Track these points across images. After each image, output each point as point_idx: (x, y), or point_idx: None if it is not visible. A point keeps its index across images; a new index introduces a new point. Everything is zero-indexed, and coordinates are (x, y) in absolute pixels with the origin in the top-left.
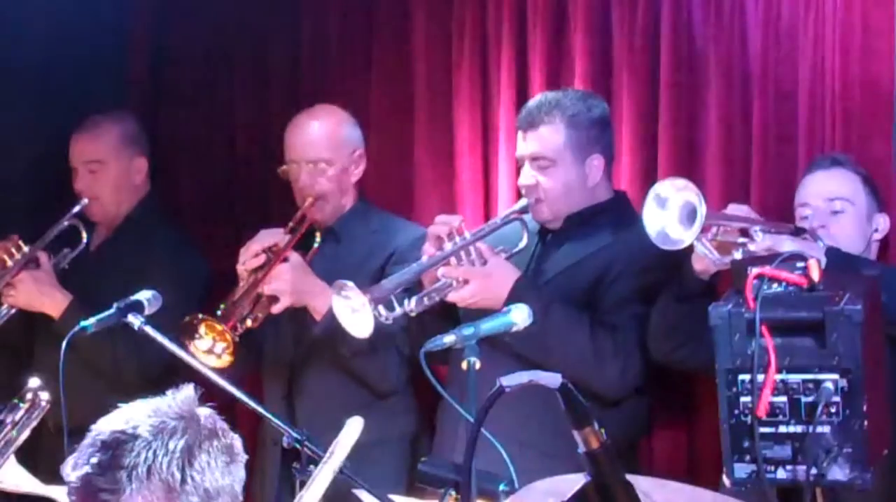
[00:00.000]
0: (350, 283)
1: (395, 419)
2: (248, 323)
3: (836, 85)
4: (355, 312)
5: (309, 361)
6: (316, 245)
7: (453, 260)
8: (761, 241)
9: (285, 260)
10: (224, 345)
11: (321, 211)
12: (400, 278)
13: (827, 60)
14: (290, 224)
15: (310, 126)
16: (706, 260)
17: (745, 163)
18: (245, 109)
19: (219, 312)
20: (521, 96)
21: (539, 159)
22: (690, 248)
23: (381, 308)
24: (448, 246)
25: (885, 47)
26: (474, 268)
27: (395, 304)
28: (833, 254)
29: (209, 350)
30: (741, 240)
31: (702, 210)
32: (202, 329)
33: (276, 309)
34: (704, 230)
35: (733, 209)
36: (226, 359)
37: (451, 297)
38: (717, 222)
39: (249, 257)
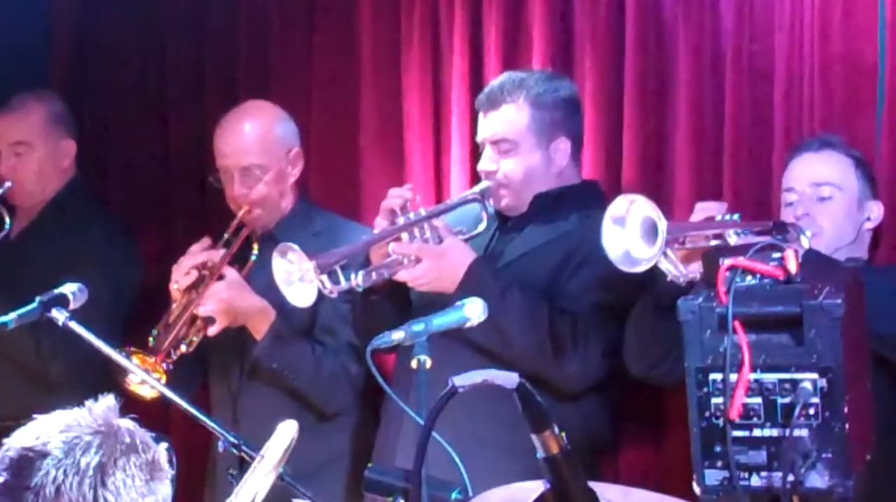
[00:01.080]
0: (296, 247)
1: (344, 438)
2: (183, 348)
3: (815, 62)
4: (299, 280)
5: (252, 384)
6: (253, 258)
7: (406, 236)
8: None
9: (221, 277)
10: (157, 375)
11: (258, 219)
12: (349, 249)
13: (805, 36)
14: (225, 235)
15: (240, 129)
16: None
17: (717, 148)
18: (178, 100)
19: (151, 339)
20: (476, 76)
21: (500, 142)
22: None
23: (325, 280)
24: (401, 220)
25: (868, 22)
26: (428, 245)
27: (341, 278)
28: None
29: (142, 382)
30: (714, 243)
31: (662, 226)
32: (133, 361)
33: (213, 331)
34: (669, 243)
35: (701, 209)
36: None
37: (401, 276)
38: (683, 234)
39: (181, 275)
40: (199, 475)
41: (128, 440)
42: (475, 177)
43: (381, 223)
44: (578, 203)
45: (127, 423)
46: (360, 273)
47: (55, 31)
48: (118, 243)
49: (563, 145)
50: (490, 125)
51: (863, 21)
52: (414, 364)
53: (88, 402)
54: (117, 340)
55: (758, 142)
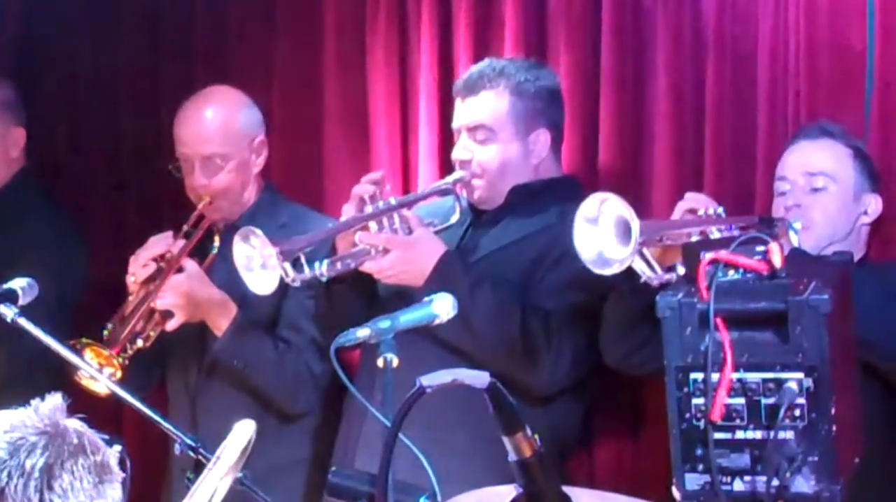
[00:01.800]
0: (258, 231)
1: (306, 440)
2: (140, 343)
3: (800, 47)
4: (260, 267)
5: (211, 382)
6: (214, 250)
7: (374, 225)
8: None
9: (180, 269)
10: (111, 370)
11: (220, 210)
12: (313, 236)
13: (791, 20)
14: (185, 227)
15: (202, 116)
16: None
17: (698, 137)
18: (132, 86)
19: (105, 332)
20: (445, 62)
21: (477, 129)
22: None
23: (288, 267)
24: (369, 208)
25: (856, 5)
26: (397, 236)
27: (305, 266)
28: (797, 256)
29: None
30: (695, 240)
31: (635, 225)
32: (87, 355)
33: (171, 326)
34: (645, 243)
35: (691, 198)
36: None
37: (368, 267)
38: (661, 232)
39: (139, 267)
40: (155, 478)
41: (75, 441)
42: (444, 168)
43: (349, 211)
44: (557, 197)
45: (75, 423)
46: (325, 262)
47: (2, 15)
48: (65, 235)
49: (543, 136)
50: (467, 111)
51: (851, 4)
52: (380, 363)
53: (35, 401)
54: (65, 335)
55: (741, 130)
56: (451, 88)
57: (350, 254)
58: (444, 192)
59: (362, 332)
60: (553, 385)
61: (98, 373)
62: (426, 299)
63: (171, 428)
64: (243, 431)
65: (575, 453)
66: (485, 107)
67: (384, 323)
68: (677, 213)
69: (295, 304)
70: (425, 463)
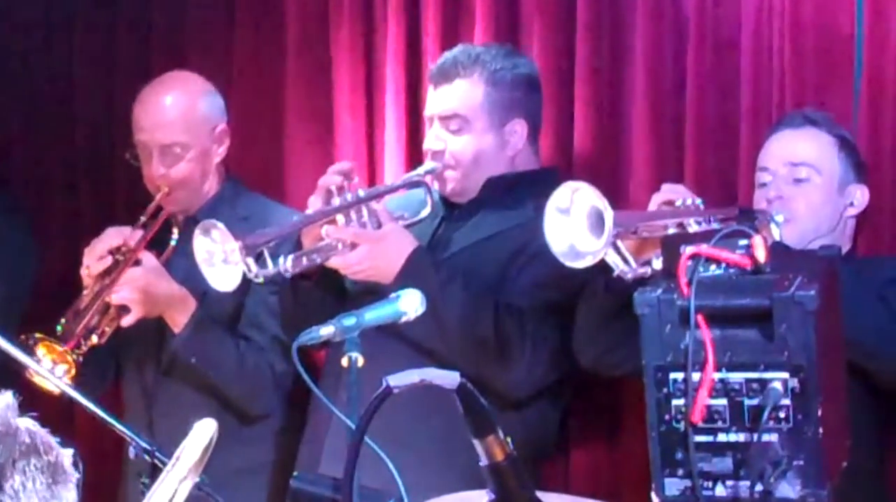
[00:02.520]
0: (220, 224)
1: (268, 443)
2: (94, 339)
3: (785, 30)
4: (222, 262)
5: (169, 382)
6: (173, 243)
7: (342, 218)
8: None
9: (137, 262)
10: (65, 367)
11: (178, 201)
12: (278, 230)
13: (775, 1)
14: (142, 218)
15: (161, 103)
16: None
17: (677, 124)
18: (87, 71)
19: (59, 328)
20: (413, 49)
21: (451, 118)
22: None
23: (251, 263)
24: (337, 201)
25: None
26: (365, 230)
27: (269, 262)
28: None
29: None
30: (672, 232)
31: (608, 216)
32: (39, 351)
33: (127, 321)
34: (620, 235)
35: (668, 190)
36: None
37: (334, 262)
38: (636, 224)
39: (94, 260)
40: (111, 480)
41: (27, 440)
42: (411, 160)
43: (315, 203)
44: (534, 190)
45: (27, 422)
46: (290, 257)
47: None
48: (13, 232)
49: (519, 127)
50: (441, 99)
51: None
52: (344, 362)
53: None
54: (13, 330)
55: (722, 117)
56: (419, 77)
57: (316, 249)
58: (414, 184)
59: (326, 330)
60: (528, 387)
61: (49, 372)
62: (393, 295)
63: (125, 430)
64: (204, 431)
65: (550, 457)
66: (459, 95)
67: (349, 320)
68: (654, 205)
69: (257, 301)
70: (390, 466)
